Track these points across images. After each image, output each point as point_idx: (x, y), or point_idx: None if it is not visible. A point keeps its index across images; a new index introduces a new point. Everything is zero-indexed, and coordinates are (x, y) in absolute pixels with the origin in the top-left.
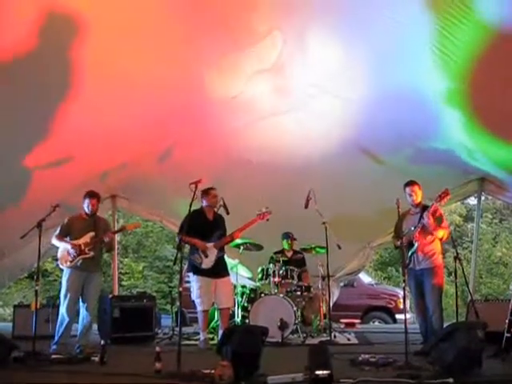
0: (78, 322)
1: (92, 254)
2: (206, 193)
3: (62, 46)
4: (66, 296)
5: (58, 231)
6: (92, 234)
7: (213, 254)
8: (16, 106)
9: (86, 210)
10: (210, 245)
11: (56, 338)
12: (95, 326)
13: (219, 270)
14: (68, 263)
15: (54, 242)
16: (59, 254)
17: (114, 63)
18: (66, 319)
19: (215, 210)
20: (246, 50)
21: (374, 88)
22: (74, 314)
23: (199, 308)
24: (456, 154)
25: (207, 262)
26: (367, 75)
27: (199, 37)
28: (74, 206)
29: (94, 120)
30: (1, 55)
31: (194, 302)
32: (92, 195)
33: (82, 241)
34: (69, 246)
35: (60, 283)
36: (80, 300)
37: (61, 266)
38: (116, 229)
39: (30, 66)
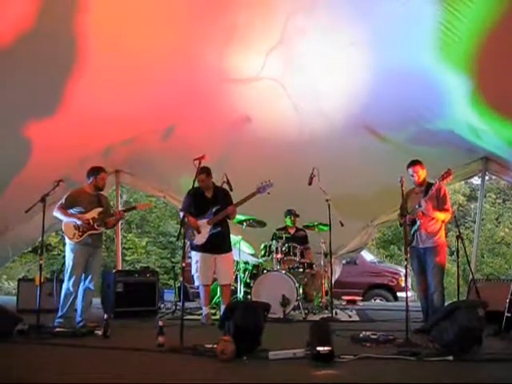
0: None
1: (102, 229)
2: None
3: (65, 20)
4: (72, 271)
5: (61, 203)
6: (100, 209)
7: (206, 230)
8: (21, 80)
9: (99, 185)
10: (202, 222)
11: (63, 312)
12: (98, 300)
13: (218, 245)
14: (77, 238)
15: (57, 214)
16: (64, 227)
17: (119, 40)
18: (73, 294)
19: (202, 188)
20: (252, 26)
21: (379, 65)
22: (78, 288)
23: (197, 283)
24: (461, 134)
25: (199, 238)
26: (372, 52)
27: (204, 14)
28: (77, 181)
29: (98, 95)
30: (5, 32)
31: (193, 277)
32: (104, 169)
33: (89, 216)
34: (78, 221)
35: (63, 257)
36: (83, 274)
37: (68, 241)
38: (126, 207)
39: (34, 41)
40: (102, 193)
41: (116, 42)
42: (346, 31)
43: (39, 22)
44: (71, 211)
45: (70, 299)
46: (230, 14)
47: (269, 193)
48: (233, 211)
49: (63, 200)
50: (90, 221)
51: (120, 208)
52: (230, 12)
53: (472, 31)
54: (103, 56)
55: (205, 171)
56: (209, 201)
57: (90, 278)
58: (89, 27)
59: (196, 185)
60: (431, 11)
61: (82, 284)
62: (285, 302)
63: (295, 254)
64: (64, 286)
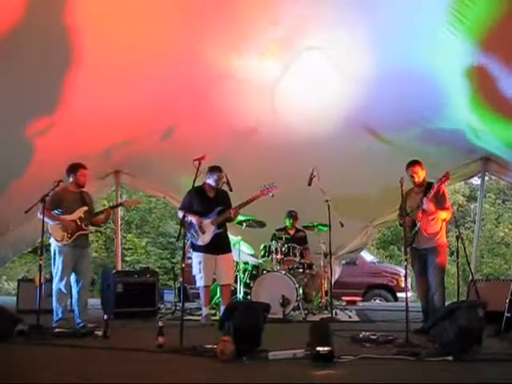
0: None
1: (90, 229)
2: (213, 172)
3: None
4: (63, 273)
5: (46, 205)
6: (85, 208)
7: (210, 230)
8: (19, 81)
9: (80, 182)
10: (207, 221)
11: (59, 316)
12: (98, 301)
13: (220, 246)
14: (66, 240)
15: (44, 217)
16: (52, 229)
17: (116, 39)
18: (67, 296)
19: (218, 186)
20: (250, 25)
21: (380, 66)
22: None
23: (199, 284)
24: (461, 134)
25: (204, 239)
26: (373, 52)
27: (203, 12)
28: None
29: (97, 96)
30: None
31: (195, 277)
32: (84, 166)
33: (76, 216)
34: (65, 223)
35: (52, 259)
36: (74, 276)
37: (56, 243)
38: (112, 204)
39: (28, 38)
40: (84, 190)
41: (112, 40)
42: (346, 29)
43: (32, 16)
44: (56, 212)
45: (64, 301)
46: (229, 13)
47: (273, 195)
48: (236, 214)
49: (48, 201)
50: (78, 221)
51: (119, 209)
52: (229, 10)
53: (473, 31)
54: (100, 55)
55: (219, 169)
56: (212, 201)
57: (82, 280)
58: (83, 26)
59: (196, 184)
60: (437, 9)
61: (75, 286)
62: (285, 303)
63: (295, 255)
64: (54, 288)
